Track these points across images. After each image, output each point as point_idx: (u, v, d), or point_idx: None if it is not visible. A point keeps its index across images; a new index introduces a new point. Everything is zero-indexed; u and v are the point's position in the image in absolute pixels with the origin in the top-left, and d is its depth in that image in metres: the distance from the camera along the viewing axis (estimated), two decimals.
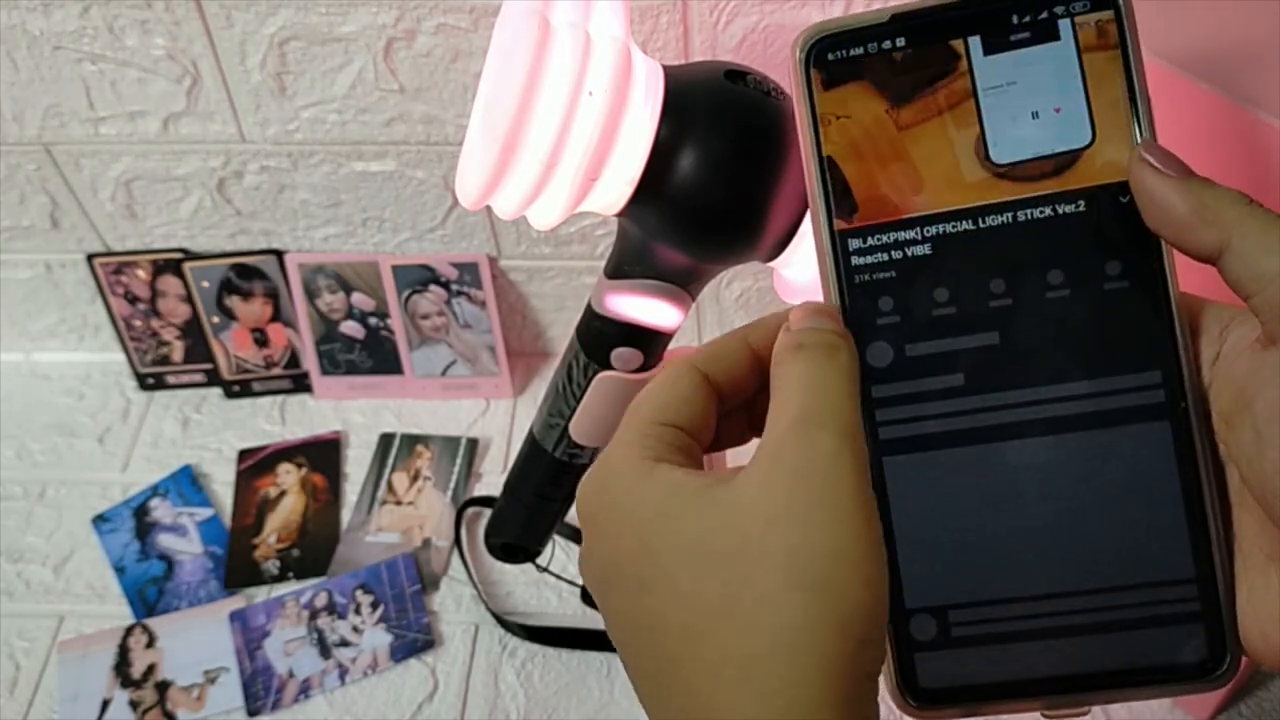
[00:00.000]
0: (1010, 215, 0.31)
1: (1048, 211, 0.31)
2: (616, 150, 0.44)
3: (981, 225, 0.31)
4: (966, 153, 0.31)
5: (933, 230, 0.32)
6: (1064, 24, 0.31)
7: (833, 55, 0.32)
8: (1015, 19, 0.31)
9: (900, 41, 0.32)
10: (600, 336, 0.54)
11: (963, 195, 0.31)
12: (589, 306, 0.54)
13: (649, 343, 0.54)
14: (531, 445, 0.60)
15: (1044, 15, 0.31)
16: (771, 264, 0.50)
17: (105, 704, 0.69)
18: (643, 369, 0.55)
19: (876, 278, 0.32)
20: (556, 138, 0.43)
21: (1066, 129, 0.31)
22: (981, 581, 0.31)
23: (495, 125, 0.43)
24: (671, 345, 0.56)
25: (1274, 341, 0.28)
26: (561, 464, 0.60)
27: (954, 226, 0.31)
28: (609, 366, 0.54)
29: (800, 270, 0.50)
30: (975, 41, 0.31)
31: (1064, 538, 0.31)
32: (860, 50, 0.32)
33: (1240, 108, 0.42)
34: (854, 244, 0.32)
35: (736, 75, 0.46)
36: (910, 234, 0.32)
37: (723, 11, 0.62)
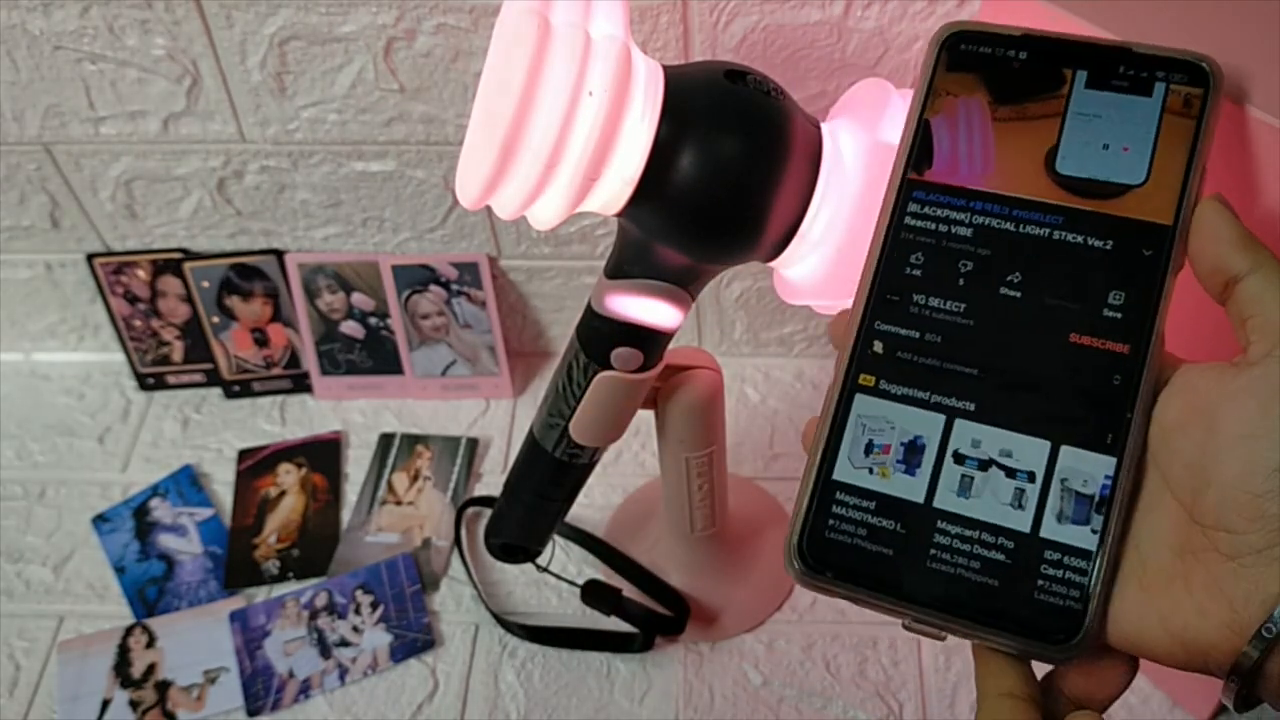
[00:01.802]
0: (1052, 217, 0.36)
1: (1084, 224, 0.36)
2: (616, 150, 0.44)
3: (1025, 216, 0.36)
4: (1037, 156, 0.37)
5: (983, 206, 0.37)
6: (1159, 86, 0.36)
7: (964, 46, 0.38)
8: (1122, 68, 0.37)
9: (1022, 55, 0.38)
10: (600, 336, 0.54)
11: (1020, 187, 0.36)
12: (589, 306, 0.54)
13: (649, 343, 0.54)
14: (531, 445, 0.60)
15: (1145, 74, 0.37)
16: (771, 264, 0.50)
17: (105, 704, 0.69)
18: (643, 369, 0.55)
19: (922, 225, 0.37)
20: (556, 138, 0.43)
21: (1127, 166, 0.36)
22: (897, 488, 0.35)
23: (495, 125, 0.43)
24: (671, 345, 0.57)
25: (1254, 363, 0.32)
26: (561, 464, 0.60)
27: (1002, 209, 0.36)
28: (609, 366, 0.54)
29: (800, 270, 0.50)
30: (1082, 75, 0.37)
31: (987, 488, 0.35)
32: (988, 50, 0.38)
33: (1235, 104, 0.42)
34: (917, 194, 0.37)
35: (736, 75, 0.46)
36: (964, 202, 0.37)
37: (723, 11, 0.62)
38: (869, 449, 0.35)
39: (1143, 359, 0.34)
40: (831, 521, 0.35)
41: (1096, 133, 0.36)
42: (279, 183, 0.75)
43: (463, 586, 0.73)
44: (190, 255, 0.80)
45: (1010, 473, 0.34)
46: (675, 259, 0.49)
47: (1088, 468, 0.34)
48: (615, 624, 0.69)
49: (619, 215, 0.48)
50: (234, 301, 0.81)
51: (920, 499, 0.35)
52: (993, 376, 0.35)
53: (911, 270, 0.37)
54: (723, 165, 0.45)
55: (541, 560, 0.69)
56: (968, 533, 0.34)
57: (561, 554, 0.74)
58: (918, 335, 0.36)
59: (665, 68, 0.46)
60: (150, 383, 0.85)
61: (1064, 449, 0.34)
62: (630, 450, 0.80)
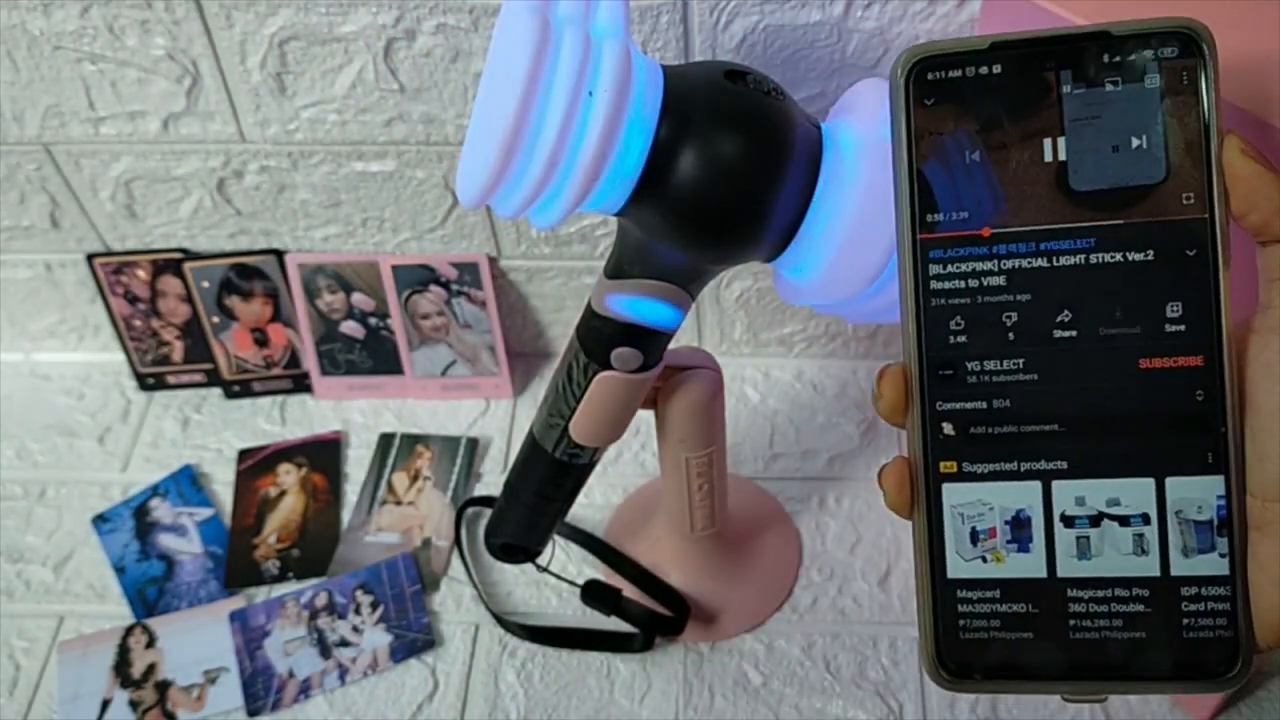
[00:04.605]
0: (1083, 241, 0.33)
1: (1118, 240, 0.33)
2: (616, 150, 0.44)
3: (1055, 248, 0.33)
4: (1047, 178, 0.33)
5: (1008, 249, 0.34)
6: (1151, 66, 0.33)
7: (932, 75, 0.34)
8: (1106, 58, 0.33)
9: (997, 69, 0.34)
10: (600, 336, 0.54)
11: (1040, 217, 0.33)
12: (589, 306, 0.54)
13: (649, 343, 0.54)
14: (531, 445, 0.60)
15: (1133, 57, 0.33)
16: (771, 264, 0.50)
17: (105, 704, 0.69)
18: (643, 369, 0.55)
19: (951, 286, 0.34)
20: (556, 138, 0.43)
21: (1143, 165, 0.33)
22: (1016, 569, 0.34)
23: (495, 125, 0.43)
24: (671, 345, 0.57)
25: (1276, 330, 0.31)
26: (561, 464, 0.60)
27: (1029, 247, 0.34)
28: (609, 366, 0.54)
29: (801, 270, 0.50)
30: (1067, 75, 0.33)
31: (1105, 543, 0.33)
32: (958, 73, 0.34)
33: (1233, 105, 0.42)
34: (934, 254, 0.34)
35: (736, 75, 0.46)
36: (986, 250, 0.34)
37: (723, 11, 0.62)
38: (975, 537, 0.34)
39: (1219, 366, 0.33)
40: (962, 622, 0.34)
41: (1101, 136, 0.33)
42: (279, 183, 0.75)
43: (463, 586, 0.73)
44: (190, 255, 0.80)
45: (1123, 521, 0.33)
46: (675, 259, 0.49)
47: (1198, 493, 0.33)
48: (615, 624, 0.69)
49: (619, 215, 0.48)
50: (234, 301, 0.81)
51: (1043, 573, 0.34)
52: (1075, 426, 0.33)
53: (955, 337, 0.34)
54: (723, 165, 0.45)
55: (541, 560, 0.69)
56: (1100, 594, 0.33)
57: (561, 554, 0.74)
58: (985, 405, 0.34)
59: (665, 68, 0.46)
60: (150, 383, 0.85)
61: (1169, 481, 0.33)
62: (630, 450, 0.80)
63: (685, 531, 0.68)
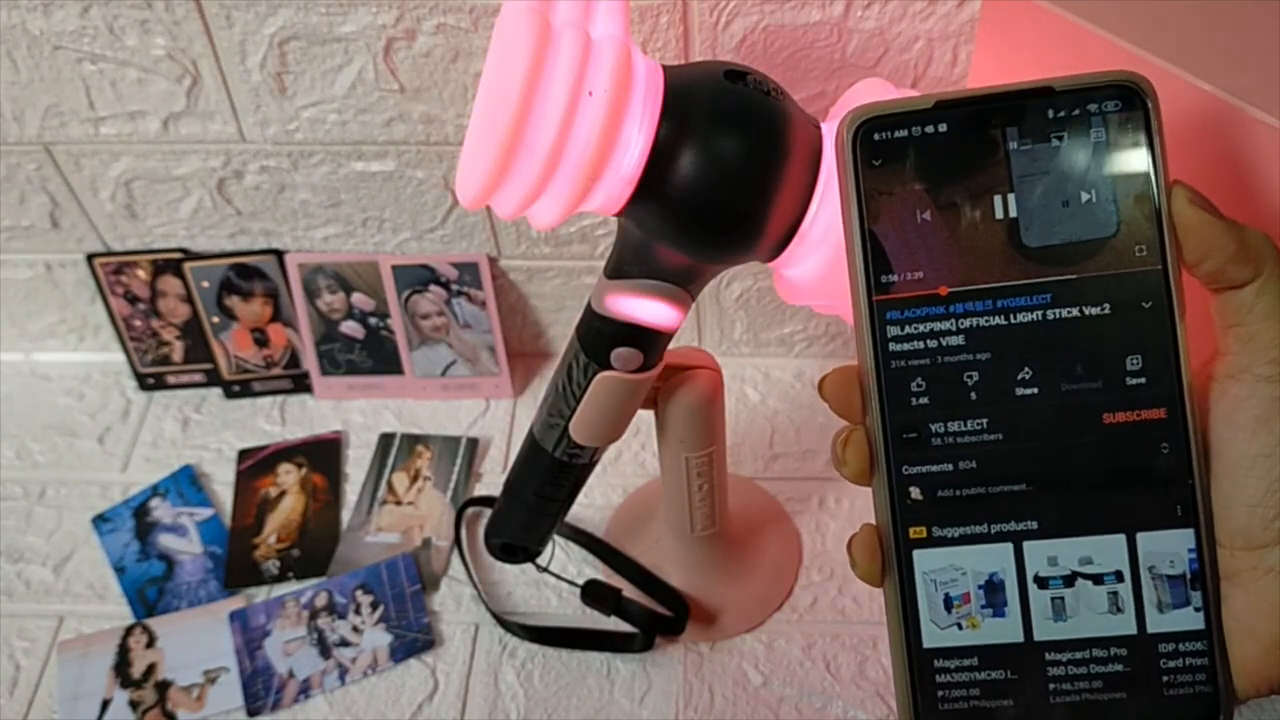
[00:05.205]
0: (1039, 297, 0.33)
1: (1074, 294, 0.33)
2: (616, 150, 0.44)
3: (1010, 304, 0.33)
4: (1000, 235, 0.33)
5: (965, 307, 0.33)
6: (1096, 120, 0.33)
7: (878, 136, 0.33)
8: (1051, 113, 0.33)
9: (942, 127, 0.33)
10: (600, 336, 0.54)
11: (994, 274, 0.33)
12: (589, 306, 0.54)
13: (649, 343, 0.54)
14: (531, 445, 0.60)
15: (1078, 112, 0.33)
16: (771, 264, 0.50)
17: (105, 704, 0.69)
18: (643, 369, 0.55)
19: (910, 348, 0.34)
20: (556, 138, 0.43)
21: (1094, 218, 0.33)
22: (992, 634, 0.33)
23: (495, 125, 0.43)
24: (671, 345, 0.57)
25: (1233, 377, 0.32)
26: (561, 464, 0.60)
27: (986, 304, 0.33)
28: (609, 366, 0.54)
29: (801, 270, 0.50)
30: (1013, 132, 0.33)
31: (1080, 603, 0.33)
32: (904, 133, 0.33)
33: (1231, 104, 0.42)
34: (891, 315, 0.34)
35: (736, 75, 0.46)
36: (942, 309, 0.33)
37: (723, 11, 0.62)
38: (948, 604, 0.34)
39: (1183, 418, 0.32)
40: (940, 693, 0.33)
41: (1050, 192, 0.33)
42: (279, 183, 0.75)
43: (463, 586, 0.73)
44: (190, 255, 0.80)
45: (1097, 579, 0.33)
46: (675, 259, 0.49)
47: (1169, 547, 0.33)
48: (615, 624, 0.69)
49: (619, 215, 0.48)
50: (234, 301, 0.81)
51: (1019, 638, 0.33)
52: (1042, 485, 0.33)
53: (917, 400, 0.34)
54: (722, 165, 0.45)
55: (541, 560, 0.69)
56: (1078, 655, 0.33)
57: (561, 554, 0.74)
58: (951, 468, 0.34)
59: (665, 68, 0.46)
60: (150, 383, 0.85)
61: (1140, 536, 0.33)
62: (630, 450, 0.80)
63: (685, 531, 0.68)
